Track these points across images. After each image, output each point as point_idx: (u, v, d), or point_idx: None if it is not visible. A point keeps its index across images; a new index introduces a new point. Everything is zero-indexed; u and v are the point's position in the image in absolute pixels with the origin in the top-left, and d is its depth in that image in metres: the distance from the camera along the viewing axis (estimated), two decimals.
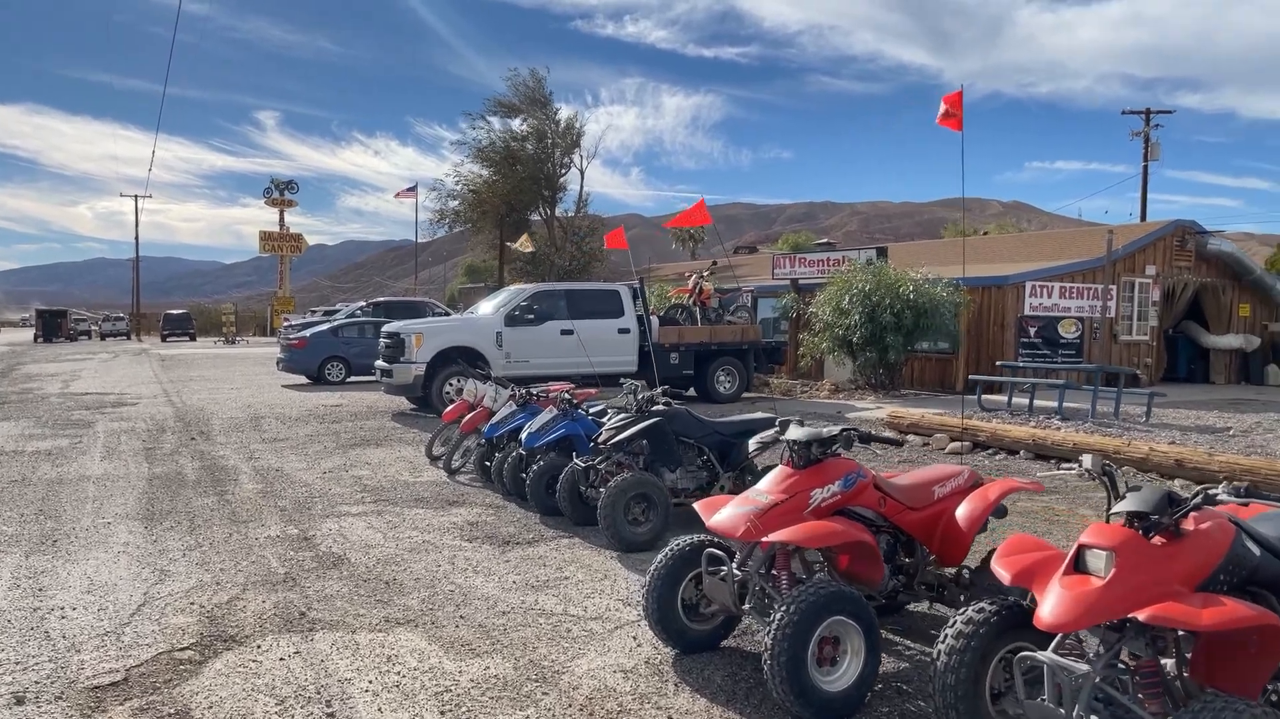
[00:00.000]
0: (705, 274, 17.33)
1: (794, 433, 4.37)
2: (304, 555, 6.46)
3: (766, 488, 4.23)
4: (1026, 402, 14.26)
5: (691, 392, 16.79)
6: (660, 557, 4.46)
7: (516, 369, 14.85)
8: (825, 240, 29.76)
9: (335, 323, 22.65)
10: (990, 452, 10.90)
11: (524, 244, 20.08)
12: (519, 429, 8.73)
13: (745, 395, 16.96)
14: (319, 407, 15.96)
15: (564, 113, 40.49)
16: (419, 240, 57.66)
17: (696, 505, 4.47)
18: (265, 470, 9.95)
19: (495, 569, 6.10)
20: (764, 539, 3.98)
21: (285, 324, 35.76)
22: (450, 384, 14.65)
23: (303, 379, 21.31)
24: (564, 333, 15.41)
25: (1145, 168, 41.81)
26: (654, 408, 6.97)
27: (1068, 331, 18.81)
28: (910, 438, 11.89)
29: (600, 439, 6.94)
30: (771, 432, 7.26)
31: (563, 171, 40.35)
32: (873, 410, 14.85)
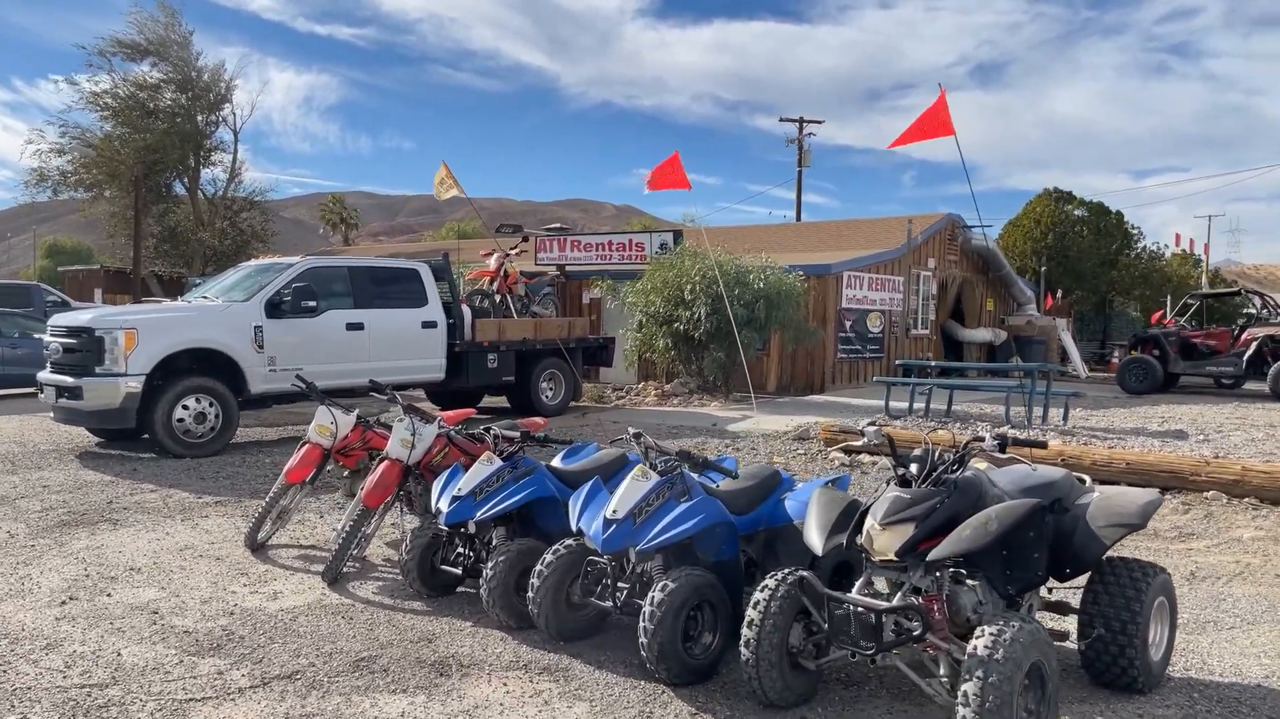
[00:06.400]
0: (512, 253, 13.58)
1: None
2: None
3: None
4: (923, 405, 12.53)
5: (497, 401, 13.07)
6: None
7: (279, 382, 10.14)
8: (557, 224, 26.83)
9: None
10: None
11: (445, 185, 14.46)
12: (524, 504, 4.80)
13: (572, 405, 13.55)
14: None
15: (209, 59, 33.04)
16: None
17: None
18: None
19: None
20: None
21: None
22: (184, 407, 9.56)
23: None
24: (350, 327, 10.90)
25: (800, 173, 44.37)
26: (957, 473, 3.62)
27: (874, 325, 17.73)
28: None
29: (878, 547, 3.43)
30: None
31: (210, 130, 33.00)
32: (741, 422, 12.17)
